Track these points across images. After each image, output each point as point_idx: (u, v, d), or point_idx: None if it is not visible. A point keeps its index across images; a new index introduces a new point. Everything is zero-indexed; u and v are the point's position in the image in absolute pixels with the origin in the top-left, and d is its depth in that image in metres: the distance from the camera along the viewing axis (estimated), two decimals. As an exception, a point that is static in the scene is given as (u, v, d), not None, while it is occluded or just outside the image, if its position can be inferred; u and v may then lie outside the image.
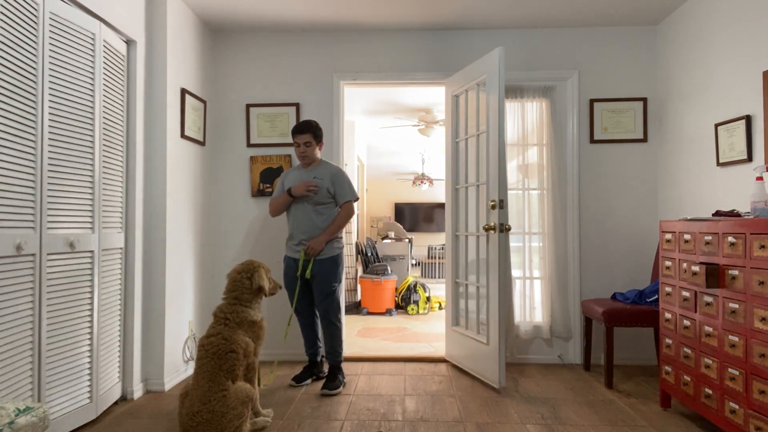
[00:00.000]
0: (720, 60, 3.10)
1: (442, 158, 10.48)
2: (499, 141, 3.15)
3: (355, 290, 6.36)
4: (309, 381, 3.36)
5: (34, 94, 2.27)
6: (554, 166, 3.78)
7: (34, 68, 2.27)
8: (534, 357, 3.82)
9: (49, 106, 2.37)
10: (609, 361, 3.20)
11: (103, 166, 2.79)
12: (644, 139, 3.80)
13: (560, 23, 3.78)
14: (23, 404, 1.63)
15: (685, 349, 2.60)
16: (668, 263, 2.77)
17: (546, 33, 3.87)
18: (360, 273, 6.51)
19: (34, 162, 2.27)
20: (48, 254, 2.35)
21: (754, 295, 2.11)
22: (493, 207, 3.19)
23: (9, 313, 2.12)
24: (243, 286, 2.57)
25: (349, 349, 4.21)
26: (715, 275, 2.33)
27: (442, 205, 13.73)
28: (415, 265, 12.36)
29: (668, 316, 2.77)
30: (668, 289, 2.78)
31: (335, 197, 3.25)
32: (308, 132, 3.20)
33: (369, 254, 6.59)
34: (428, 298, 6.15)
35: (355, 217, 6.81)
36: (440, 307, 6.38)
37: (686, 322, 2.59)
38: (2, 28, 2.08)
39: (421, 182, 10.92)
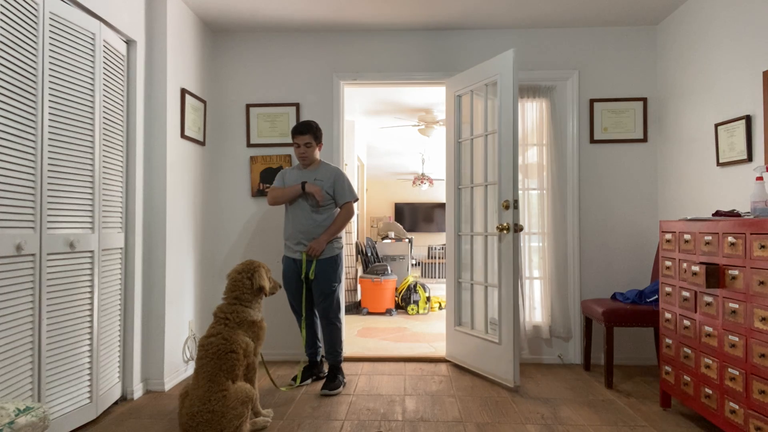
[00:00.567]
0: (720, 60, 3.10)
1: (442, 158, 10.48)
2: (514, 142, 3.16)
3: (355, 290, 6.36)
4: (309, 381, 3.36)
5: (34, 94, 2.27)
6: (554, 166, 3.78)
7: (34, 68, 2.27)
8: (534, 357, 3.82)
9: (49, 106, 2.37)
10: (609, 361, 3.20)
11: (103, 166, 2.79)
12: (644, 139, 3.80)
13: (560, 23, 3.78)
14: (23, 404, 1.63)
15: (685, 349, 2.60)
16: (668, 263, 2.77)
17: (546, 33, 3.87)
18: (360, 273, 6.51)
19: (34, 162, 2.27)
20: (48, 254, 2.35)
21: (754, 295, 2.11)
22: (506, 207, 3.20)
23: (9, 313, 2.12)
24: (243, 286, 2.57)
25: (349, 349, 4.21)
26: (715, 275, 2.33)
27: (442, 205, 13.73)
28: (415, 265, 12.36)
29: (668, 316, 2.77)
30: (668, 289, 2.78)
31: (335, 198, 3.25)
32: (308, 133, 3.20)
33: (369, 254, 6.59)
34: (428, 298, 6.15)
35: (355, 217, 6.81)
36: (440, 307, 6.38)
37: (686, 322, 2.59)
38: (2, 28, 2.08)
39: (421, 182, 10.92)
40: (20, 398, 2.18)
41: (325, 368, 3.60)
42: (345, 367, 3.68)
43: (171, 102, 3.27)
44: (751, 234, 2.13)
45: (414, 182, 11.07)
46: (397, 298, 6.22)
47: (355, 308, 6.18)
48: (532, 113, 3.85)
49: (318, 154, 3.31)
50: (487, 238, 3.47)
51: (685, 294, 2.59)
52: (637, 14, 3.63)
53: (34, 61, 2.27)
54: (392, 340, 4.57)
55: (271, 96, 3.95)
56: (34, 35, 2.28)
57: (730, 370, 2.25)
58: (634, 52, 3.83)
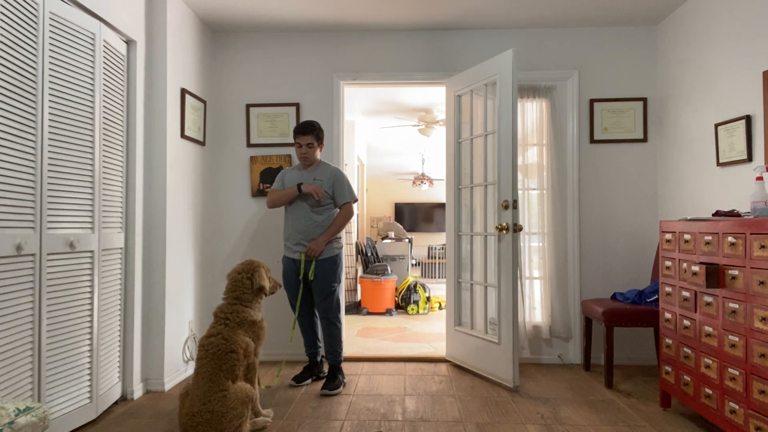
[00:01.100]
0: (720, 60, 3.10)
1: (442, 158, 10.48)
2: (513, 142, 3.17)
3: (355, 290, 6.36)
4: (309, 381, 3.36)
5: (34, 94, 2.27)
6: (554, 166, 3.78)
7: (34, 68, 2.27)
8: (534, 357, 3.82)
9: (49, 106, 2.37)
10: (609, 361, 3.20)
11: (103, 166, 2.79)
12: (644, 139, 3.80)
13: (560, 23, 3.78)
14: (23, 404, 1.63)
15: (685, 349, 2.60)
16: (668, 263, 2.77)
17: (546, 33, 3.87)
18: (360, 273, 6.51)
19: (34, 162, 2.27)
20: (48, 254, 2.35)
21: (754, 295, 2.11)
22: (506, 207, 3.20)
23: (9, 313, 2.12)
24: (243, 286, 2.57)
25: (349, 349, 4.21)
26: (715, 275, 2.33)
27: (442, 205, 13.73)
28: (415, 265, 12.36)
29: (668, 316, 2.77)
30: (668, 289, 2.78)
31: (334, 198, 3.25)
32: (311, 133, 3.20)
33: (369, 254, 6.59)
34: (428, 298, 6.15)
35: (354, 217, 6.81)
36: (440, 307, 6.38)
37: (686, 322, 2.59)
38: (2, 28, 2.08)
39: (421, 182, 10.92)
40: (20, 398, 2.18)
41: (325, 368, 3.60)
42: (345, 367, 3.69)
43: (171, 102, 3.27)
44: (751, 234, 2.13)
45: (414, 182, 11.07)
46: (397, 298, 6.22)
47: (355, 308, 6.18)
48: (532, 113, 3.85)
49: (319, 155, 3.31)
50: (487, 238, 3.47)
51: (685, 294, 2.59)
52: (637, 14, 3.63)
53: (34, 61, 2.27)
54: (392, 340, 4.57)
55: (271, 96, 3.95)
56: (34, 35, 2.27)
57: (730, 370, 2.25)
58: (634, 52, 3.83)
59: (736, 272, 2.22)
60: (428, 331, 4.99)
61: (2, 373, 2.08)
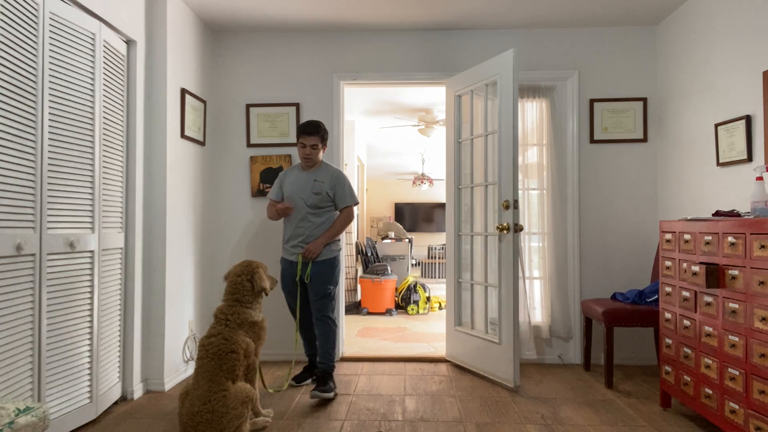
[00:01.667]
0: (720, 60, 3.10)
1: (442, 158, 10.48)
2: (514, 142, 3.16)
3: (355, 290, 6.36)
4: (309, 381, 3.35)
5: (34, 94, 2.27)
6: (554, 166, 3.78)
7: (34, 68, 2.27)
8: (534, 357, 3.82)
9: (49, 106, 2.37)
10: (609, 361, 3.20)
11: (103, 166, 2.79)
12: (644, 139, 3.80)
13: (560, 23, 3.78)
14: (23, 404, 1.63)
15: (685, 349, 2.60)
16: (668, 263, 2.77)
17: (546, 33, 3.87)
18: (360, 273, 6.51)
19: (34, 162, 2.27)
20: (48, 254, 2.35)
21: (754, 295, 2.11)
22: (506, 207, 3.20)
23: (9, 313, 2.12)
24: (244, 288, 2.57)
25: (349, 349, 4.21)
26: (715, 275, 2.33)
27: (442, 205, 13.73)
28: (415, 265, 12.36)
29: (668, 316, 2.77)
30: (668, 289, 2.78)
31: (335, 201, 3.21)
32: (317, 134, 3.16)
33: (369, 254, 6.59)
34: (428, 298, 6.15)
35: (355, 217, 6.81)
36: (440, 307, 6.38)
37: (686, 322, 2.59)
38: (2, 28, 2.08)
39: (421, 182, 10.92)
40: (20, 398, 2.18)
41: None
42: (345, 366, 3.68)
43: (171, 102, 3.27)
44: (751, 234, 2.13)
45: (414, 182, 11.07)
46: (397, 298, 6.22)
47: (355, 308, 6.18)
48: (532, 113, 3.85)
49: (321, 156, 3.29)
50: (487, 238, 3.47)
51: (685, 294, 2.59)
52: (637, 14, 3.63)
53: (34, 61, 2.27)
54: (392, 340, 4.57)
55: (271, 96, 3.95)
56: (34, 35, 2.27)
57: (730, 370, 2.25)
58: (634, 52, 3.83)
59: (736, 272, 2.22)
60: (428, 331, 4.99)
61: (2, 373, 2.08)
